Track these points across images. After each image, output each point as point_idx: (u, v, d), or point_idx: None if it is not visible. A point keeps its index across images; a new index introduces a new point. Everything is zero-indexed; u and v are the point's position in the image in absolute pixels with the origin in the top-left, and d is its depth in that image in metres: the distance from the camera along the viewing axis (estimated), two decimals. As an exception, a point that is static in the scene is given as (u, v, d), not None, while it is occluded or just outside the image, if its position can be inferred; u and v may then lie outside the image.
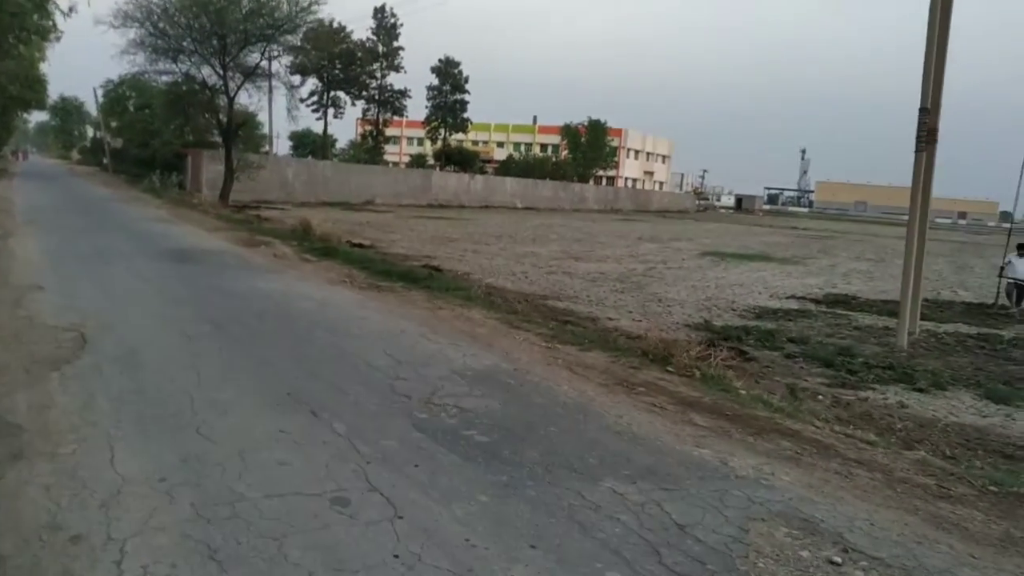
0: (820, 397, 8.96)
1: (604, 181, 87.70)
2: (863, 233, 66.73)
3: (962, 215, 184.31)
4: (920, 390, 10.40)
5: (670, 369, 8.31)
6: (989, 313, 18.47)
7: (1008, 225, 47.06)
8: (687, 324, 14.19)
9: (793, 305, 17.83)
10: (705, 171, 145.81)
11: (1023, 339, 14.95)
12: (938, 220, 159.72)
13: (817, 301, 18.91)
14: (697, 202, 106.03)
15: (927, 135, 13.13)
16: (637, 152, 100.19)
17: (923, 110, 13.11)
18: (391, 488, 5.19)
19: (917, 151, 13.14)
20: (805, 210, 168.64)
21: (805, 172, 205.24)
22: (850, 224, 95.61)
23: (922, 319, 16.85)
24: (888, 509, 5.53)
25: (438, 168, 71.42)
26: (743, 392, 7.94)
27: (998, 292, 20.17)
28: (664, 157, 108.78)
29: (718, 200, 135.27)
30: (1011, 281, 19.45)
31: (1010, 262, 19.54)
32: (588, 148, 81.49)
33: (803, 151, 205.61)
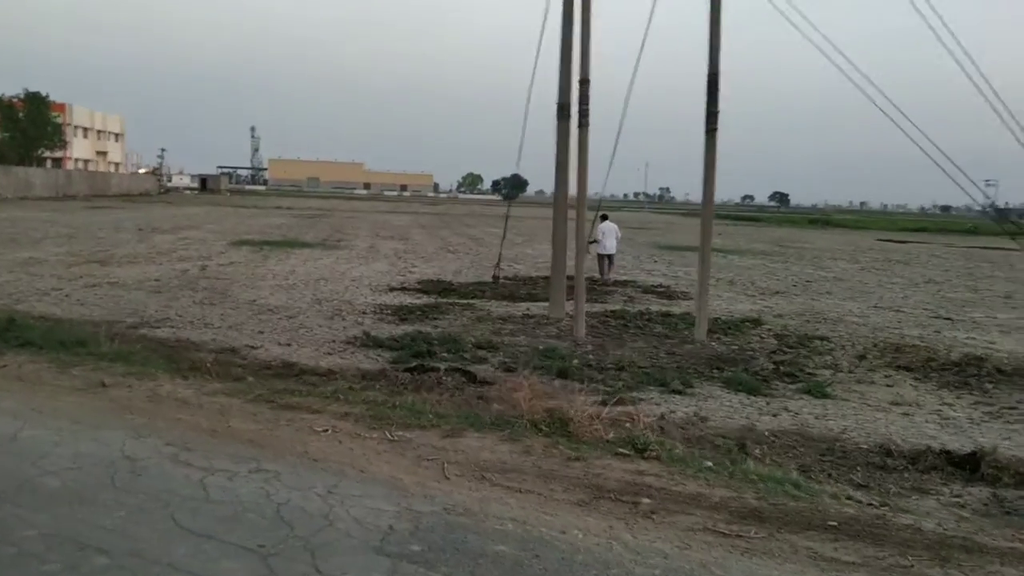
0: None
1: (50, 163, 74.95)
2: (351, 210, 67.61)
3: (403, 187, 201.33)
4: (678, 392, 9.45)
5: (613, 444, 5.74)
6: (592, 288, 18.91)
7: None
8: (347, 341, 11.56)
9: (413, 299, 16.05)
10: (164, 150, 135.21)
11: (650, 312, 15.30)
12: (386, 193, 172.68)
13: (421, 291, 17.44)
14: (161, 184, 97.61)
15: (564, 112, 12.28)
16: (87, 130, 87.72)
17: (583, 81, 12.22)
18: None
19: (566, 125, 12.22)
20: (263, 188, 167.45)
21: (257, 150, 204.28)
22: (320, 200, 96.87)
23: (533, 300, 16.52)
24: None
25: None
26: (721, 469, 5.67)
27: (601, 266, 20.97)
28: (117, 135, 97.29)
29: (170, 180, 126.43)
30: (599, 254, 20.33)
31: (600, 236, 20.38)
32: (29, 125, 68.59)
33: (253, 129, 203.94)
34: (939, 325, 15.69)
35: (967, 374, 11.10)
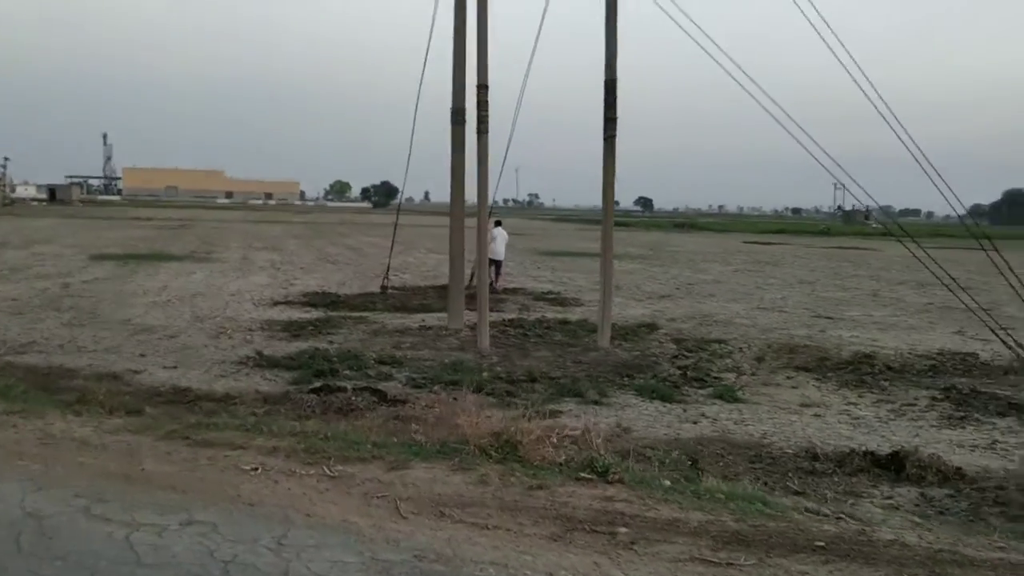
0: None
1: None
2: (216, 220, 64.75)
3: (269, 195, 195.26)
4: (595, 402, 9.27)
5: (571, 467, 5.30)
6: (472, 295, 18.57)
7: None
8: (239, 361, 10.83)
9: (301, 314, 15.30)
10: (7, 159, 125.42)
11: (547, 319, 15.15)
12: (251, 201, 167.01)
13: (308, 304, 16.69)
14: (4, 195, 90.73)
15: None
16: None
17: (481, 86, 11.92)
18: None
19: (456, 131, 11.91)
20: (118, 198, 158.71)
21: (109, 158, 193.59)
22: (181, 210, 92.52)
23: (427, 310, 16.10)
24: None
25: None
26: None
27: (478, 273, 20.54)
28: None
29: (13, 191, 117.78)
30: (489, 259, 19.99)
31: (491, 241, 20.04)
32: None
33: (105, 136, 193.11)
34: (822, 324, 16.24)
35: (862, 372, 11.44)
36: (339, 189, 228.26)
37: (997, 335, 12.33)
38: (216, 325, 13.64)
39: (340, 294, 18.31)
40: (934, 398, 9.97)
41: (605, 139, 12.37)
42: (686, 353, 12.58)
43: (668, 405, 9.32)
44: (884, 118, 11.82)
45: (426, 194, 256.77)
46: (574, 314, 16.40)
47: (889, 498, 6.40)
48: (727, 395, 9.77)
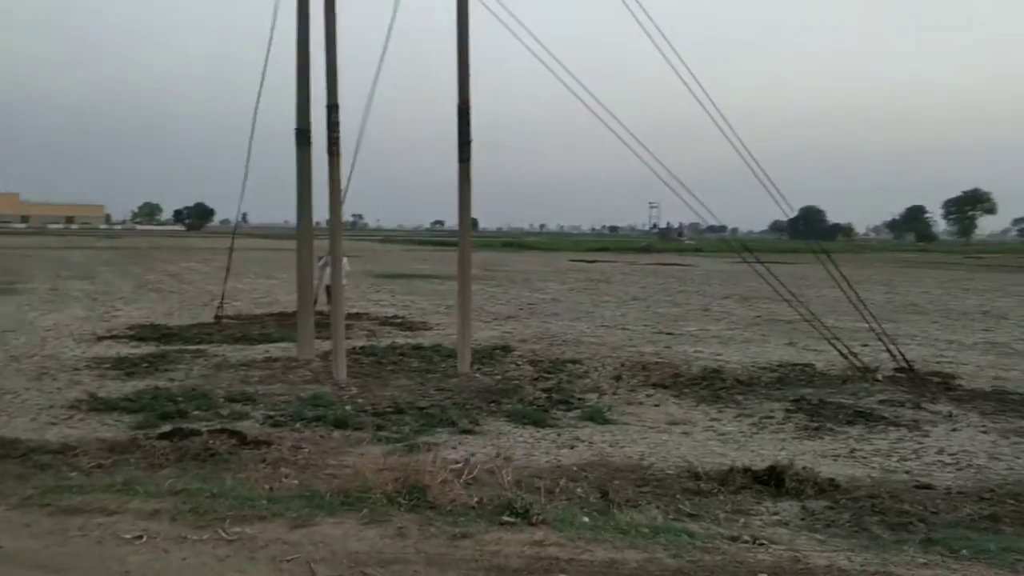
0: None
1: None
2: (13, 247, 59.25)
3: (70, 220, 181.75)
4: (468, 431, 9.00)
5: (488, 509, 4.84)
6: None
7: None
8: (70, 405, 9.77)
9: (131, 349, 14.08)
10: None
11: (399, 345, 14.72)
12: (51, 226, 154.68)
13: (137, 338, 15.41)
14: None
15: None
16: None
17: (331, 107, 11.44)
18: None
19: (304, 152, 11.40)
20: None
21: None
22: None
23: (269, 340, 15.32)
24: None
25: None
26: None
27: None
28: None
29: None
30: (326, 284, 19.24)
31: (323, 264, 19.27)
32: None
33: None
34: (666, 340, 16.73)
35: (715, 387, 11.80)
36: (148, 212, 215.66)
37: (836, 347, 13.17)
38: (36, 365, 12.26)
39: (171, 325, 17.03)
40: (788, 410, 10.40)
41: (460, 163, 12.17)
42: (545, 375, 12.54)
43: (542, 430, 9.18)
44: (725, 134, 12.36)
45: (244, 216, 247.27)
46: (425, 339, 16.06)
47: (775, 514, 6.52)
48: (597, 417, 9.77)
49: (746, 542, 5.01)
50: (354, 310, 20.77)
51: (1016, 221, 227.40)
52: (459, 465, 6.90)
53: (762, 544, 4.95)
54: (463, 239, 12.49)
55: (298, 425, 9.03)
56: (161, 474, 6.75)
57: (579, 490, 6.26)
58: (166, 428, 8.55)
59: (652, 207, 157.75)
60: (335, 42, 11.26)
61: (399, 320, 19.24)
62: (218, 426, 8.68)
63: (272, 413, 9.57)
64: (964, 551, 4.88)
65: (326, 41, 11.32)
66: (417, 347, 14.72)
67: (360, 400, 10.37)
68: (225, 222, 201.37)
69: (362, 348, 14.27)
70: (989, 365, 14.15)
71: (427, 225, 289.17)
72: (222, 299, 17.33)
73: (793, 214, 18.08)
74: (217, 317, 17.41)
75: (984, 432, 9.36)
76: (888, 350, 13.04)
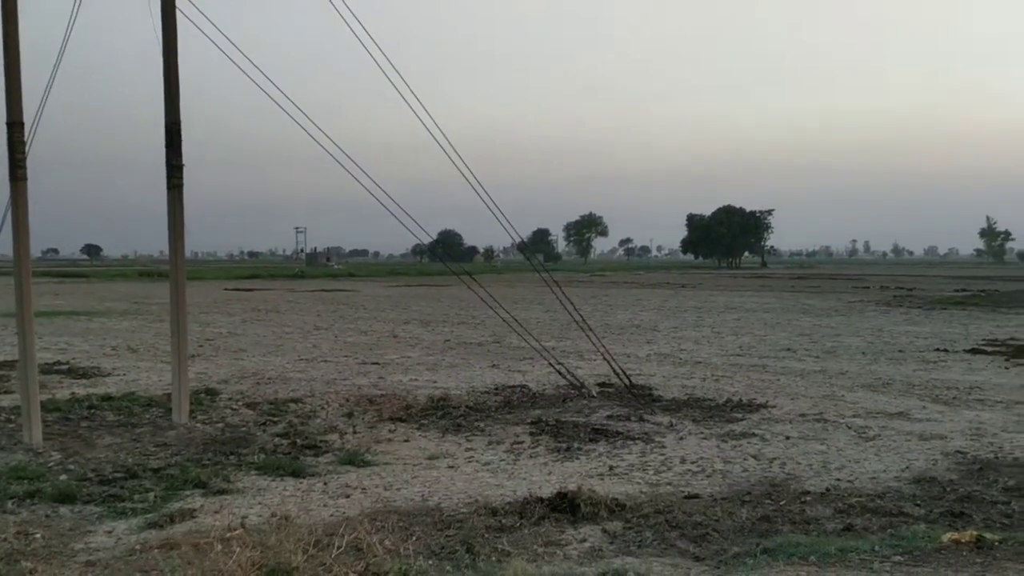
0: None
1: None
2: None
3: None
4: (224, 491, 8.11)
5: None
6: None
7: None
8: None
9: None
10: None
11: (83, 396, 12.89)
12: None
13: None
14: None
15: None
16: None
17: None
18: None
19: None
20: None
21: None
22: None
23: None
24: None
25: None
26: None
27: None
28: None
29: None
30: None
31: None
32: None
33: None
34: (375, 370, 16.50)
35: (452, 416, 11.84)
36: None
37: (555, 368, 13.88)
38: None
39: None
40: (531, 433, 10.74)
41: (170, 188, 10.98)
42: (271, 418, 11.72)
43: (304, 480, 8.56)
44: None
45: None
46: (109, 387, 14.24)
47: (583, 540, 6.68)
48: (355, 460, 9.33)
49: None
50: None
51: (623, 242, 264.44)
52: (247, 533, 6.18)
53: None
54: (176, 270, 11.23)
55: (10, 505, 7.47)
56: None
57: (404, 549, 5.82)
58: None
59: (299, 232, 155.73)
60: (18, 52, 9.59)
61: (65, 367, 16.81)
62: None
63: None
64: (812, 556, 5.40)
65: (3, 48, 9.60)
66: (106, 397, 12.98)
67: (72, 467, 8.88)
68: None
69: (43, 403, 12.20)
70: (672, 375, 15.86)
71: (38, 253, 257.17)
72: None
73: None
74: None
75: (705, 439, 10.44)
76: (612, 368, 13.88)
